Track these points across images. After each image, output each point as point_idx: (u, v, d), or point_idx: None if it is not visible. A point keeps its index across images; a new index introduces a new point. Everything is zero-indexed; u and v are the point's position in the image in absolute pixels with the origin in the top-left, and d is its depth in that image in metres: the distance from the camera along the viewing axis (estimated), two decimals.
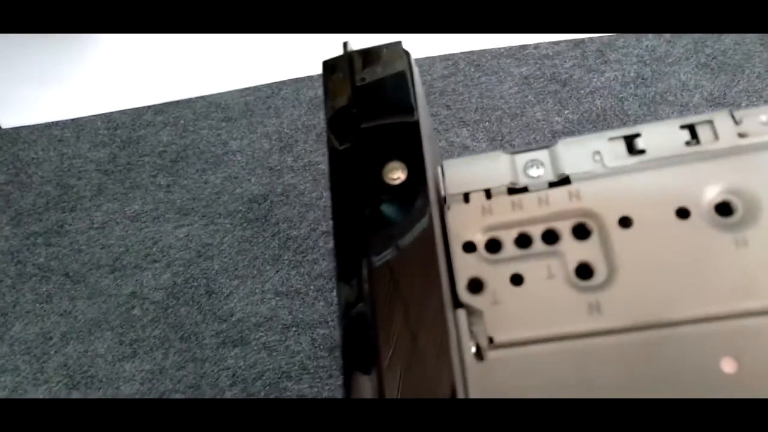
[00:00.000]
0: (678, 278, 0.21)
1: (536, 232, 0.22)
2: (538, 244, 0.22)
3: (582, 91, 0.61)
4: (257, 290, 0.57)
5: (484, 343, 0.21)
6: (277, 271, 0.58)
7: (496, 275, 0.22)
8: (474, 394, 0.21)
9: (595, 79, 0.61)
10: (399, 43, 0.24)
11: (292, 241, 0.59)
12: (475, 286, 0.22)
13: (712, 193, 0.21)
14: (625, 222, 0.22)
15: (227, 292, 0.58)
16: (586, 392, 0.20)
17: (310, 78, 0.68)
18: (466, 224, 0.23)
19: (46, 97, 0.73)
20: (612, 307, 0.21)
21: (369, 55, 0.24)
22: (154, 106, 0.70)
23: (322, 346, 0.54)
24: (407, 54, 0.24)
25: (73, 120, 0.71)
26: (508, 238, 0.23)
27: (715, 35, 0.61)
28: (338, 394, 0.52)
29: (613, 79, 0.61)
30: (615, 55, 0.62)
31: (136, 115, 0.70)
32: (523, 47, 0.64)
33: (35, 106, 0.73)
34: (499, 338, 0.21)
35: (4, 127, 0.73)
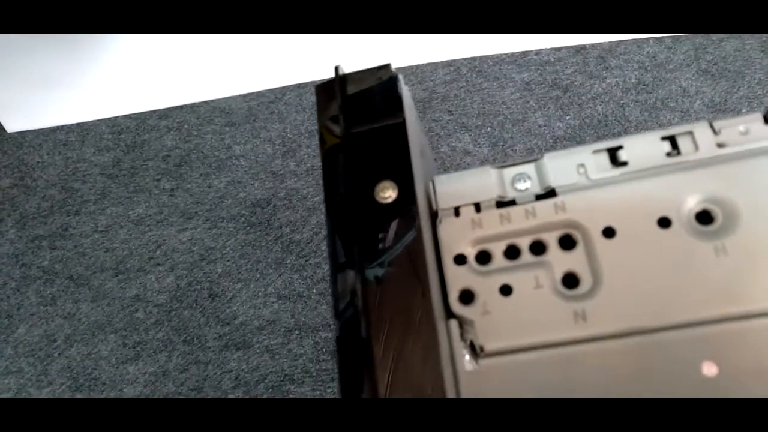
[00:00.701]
0: (660, 286, 0.21)
1: (524, 243, 0.23)
2: (526, 255, 0.23)
3: (583, 97, 0.61)
4: (260, 294, 0.58)
5: (476, 351, 0.22)
6: (280, 275, 0.58)
7: (486, 286, 0.23)
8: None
9: (596, 85, 0.61)
10: (389, 65, 0.25)
11: (295, 245, 0.60)
12: (466, 297, 0.23)
13: (693, 203, 0.22)
14: (608, 232, 0.22)
15: (230, 296, 0.58)
16: (573, 397, 0.21)
17: (313, 83, 0.69)
18: (457, 237, 0.24)
19: (51, 101, 0.74)
20: (597, 315, 0.21)
21: (360, 78, 0.25)
22: (159, 110, 0.71)
23: (324, 350, 0.54)
24: (397, 77, 0.24)
25: (78, 124, 0.72)
26: (497, 249, 0.23)
27: (716, 42, 0.61)
28: (340, 397, 0.52)
29: (615, 85, 0.61)
30: (616, 61, 0.62)
31: (141, 119, 0.71)
32: (525, 53, 0.64)
33: (40, 111, 0.74)
34: (489, 347, 0.22)
35: (9, 131, 0.73)
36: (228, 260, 0.60)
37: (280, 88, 0.69)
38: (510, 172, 0.24)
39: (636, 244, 0.22)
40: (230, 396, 0.53)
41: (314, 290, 0.57)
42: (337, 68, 0.25)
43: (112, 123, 0.71)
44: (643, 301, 0.21)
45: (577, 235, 0.23)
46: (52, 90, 0.74)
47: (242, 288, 0.58)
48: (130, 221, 0.64)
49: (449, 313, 0.23)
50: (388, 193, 0.22)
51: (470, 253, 0.23)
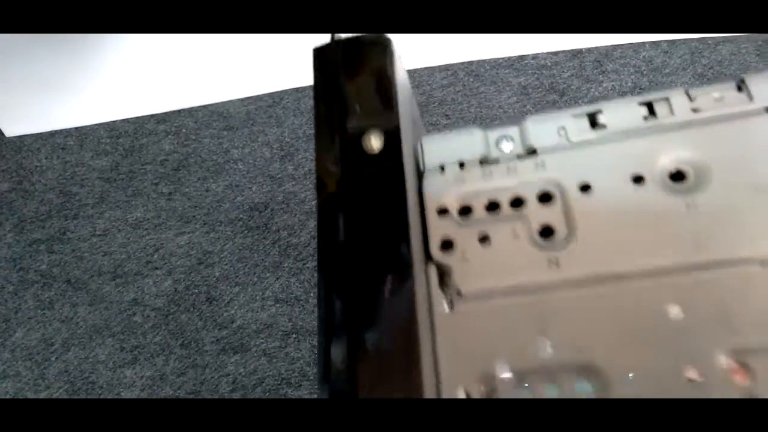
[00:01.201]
0: (632, 236, 0.22)
1: (504, 198, 0.24)
2: (506, 209, 0.24)
3: (580, 101, 0.61)
4: (257, 297, 0.58)
5: (453, 296, 0.23)
6: (278, 279, 0.58)
7: (465, 236, 0.24)
8: (442, 343, 0.22)
9: (593, 89, 0.62)
10: (382, 34, 0.26)
11: (293, 249, 0.60)
12: (446, 245, 0.24)
13: (666, 161, 0.23)
14: (585, 188, 0.24)
15: (228, 299, 0.58)
16: (546, 339, 0.22)
17: (311, 87, 0.69)
18: (441, 192, 0.25)
19: (49, 106, 0.74)
20: (569, 262, 0.23)
21: (355, 42, 0.26)
22: (157, 115, 0.71)
23: None
24: (390, 43, 0.25)
25: (76, 129, 0.72)
26: (478, 204, 0.24)
27: (712, 45, 0.61)
28: None
29: (611, 89, 0.61)
30: (612, 65, 0.63)
31: (139, 124, 0.71)
32: (522, 57, 0.64)
33: (39, 115, 0.74)
34: (466, 289, 0.23)
35: (8, 135, 0.74)
36: (225, 264, 0.60)
37: (278, 92, 0.70)
38: (494, 133, 0.26)
39: (610, 199, 0.23)
40: None
41: (312, 294, 0.57)
42: (333, 34, 0.26)
43: (111, 127, 0.71)
44: (614, 250, 0.22)
45: (554, 191, 0.24)
46: (51, 94, 0.74)
47: (240, 291, 0.58)
48: (128, 225, 0.64)
49: (429, 260, 0.24)
50: (375, 144, 0.23)
51: (453, 206, 0.25)
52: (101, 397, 0.55)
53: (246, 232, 0.62)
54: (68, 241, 0.65)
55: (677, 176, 0.23)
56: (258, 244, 0.61)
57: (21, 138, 0.73)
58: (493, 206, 0.24)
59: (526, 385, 0.21)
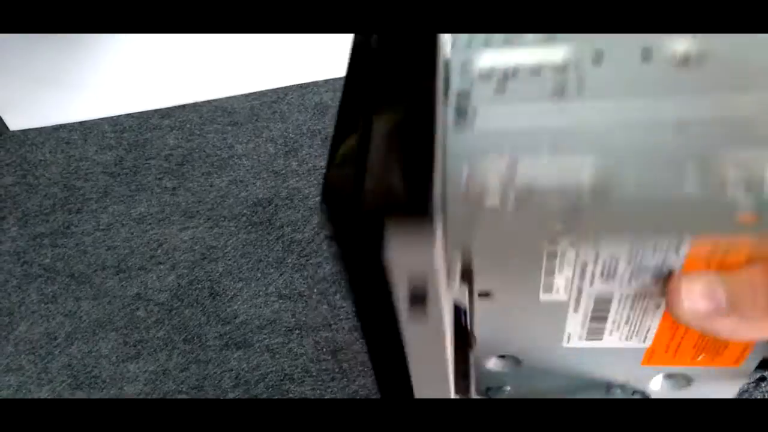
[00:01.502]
0: (637, 96, 0.25)
1: (523, 68, 0.27)
2: (523, 76, 0.27)
3: None
4: (261, 293, 0.58)
5: (466, 133, 0.26)
6: (281, 274, 0.58)
7: (482, 87, 0.27)
8: (449, 155, 0.25)
9: None
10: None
11: (296, 245, 0.60)
12: (463, 93, 0.27)
13: (673, 48, 0.27)
14: (596, 60, 0.27)
15: (231, 295, 0.58)
16: (554, 152, 0.25)
17: (315, 83, 0.69)
18: (464, 57, 0.28)
19: (53, 100, 0.74)
20: (578, 110, 0.25)
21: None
22: (161, 109, 0.71)
23: (325, 349, 0.54)
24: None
25: (80, 123, 0.72)
26: (498, 69, 0.27)
27: None
28: (341, 397, 0.52)
29: None
30: None
31: (143, 118, 0.71)
32: None
33: (43, 109, 0.74)
34: (479, 128, 0.26)
35: (12, 129, 0.74)
36: (229, 259, 0.60)
37: (282, 87, 0.70)
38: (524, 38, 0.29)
39: (619, 70, 0.26)
40: (230, 395, 0.53)
41: (315, 290, 0.57)
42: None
43: (115, 122, 0.71)
44: (620, 101, 0.25)
45: (569, 62, 0.27)
46: (55, 89, 0.74)
47: (243, 287, 0.58)
48: (131, 220, 0.65)
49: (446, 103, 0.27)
50: None
51: (474, 69, 0.28)
52: (104, 391, 0.56)
53: (250, 227, 0.62)
54: (72, 236, 0.65)
55: (681, 58, 0.26)
56: (262, 239, 0.61)
57: (25, 132, 0.73)
58: (511, 73, 0.27)
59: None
